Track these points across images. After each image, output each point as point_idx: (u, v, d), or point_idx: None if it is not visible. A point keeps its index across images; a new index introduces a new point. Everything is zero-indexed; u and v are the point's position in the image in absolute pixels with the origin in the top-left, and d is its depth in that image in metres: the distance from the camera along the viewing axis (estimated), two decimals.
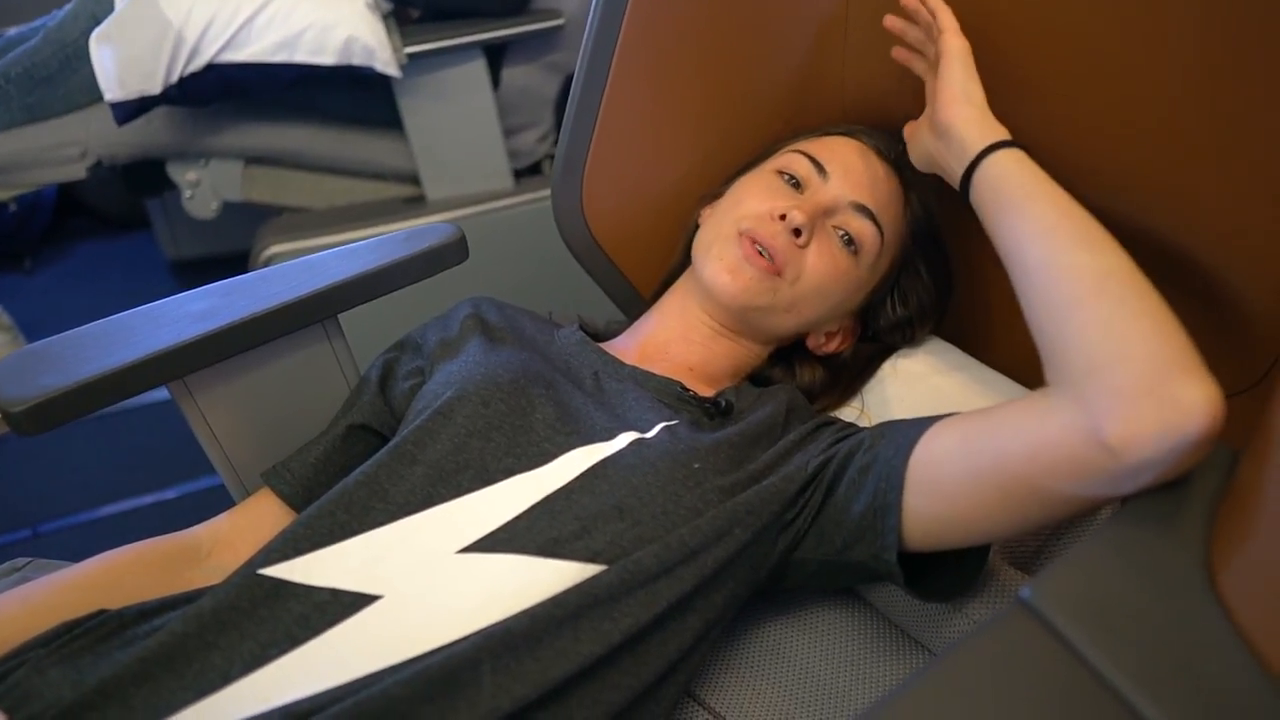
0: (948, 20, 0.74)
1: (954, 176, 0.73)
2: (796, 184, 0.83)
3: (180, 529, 0.75)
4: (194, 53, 1.37)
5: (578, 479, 0.65)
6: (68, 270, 2.40)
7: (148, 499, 1.68)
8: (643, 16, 0.86)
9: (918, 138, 0.79)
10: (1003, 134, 0.70)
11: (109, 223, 2.53)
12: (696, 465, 0.67)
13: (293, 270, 0.84)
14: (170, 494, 1.69)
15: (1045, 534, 0.76)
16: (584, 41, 0.87)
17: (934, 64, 0.76)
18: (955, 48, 0.73)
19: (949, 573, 0.68)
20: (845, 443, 0.70)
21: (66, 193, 2.50)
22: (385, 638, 0.58)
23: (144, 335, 0.75)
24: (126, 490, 1.69)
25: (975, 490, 0.59)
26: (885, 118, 0.90)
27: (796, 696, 0.72)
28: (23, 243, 2.40)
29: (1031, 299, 0.61)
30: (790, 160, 0.84)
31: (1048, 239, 0.61)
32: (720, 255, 0.81)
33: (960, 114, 0.71)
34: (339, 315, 0.84)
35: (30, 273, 2.37)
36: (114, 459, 1.77)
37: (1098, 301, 0.57)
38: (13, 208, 2.30)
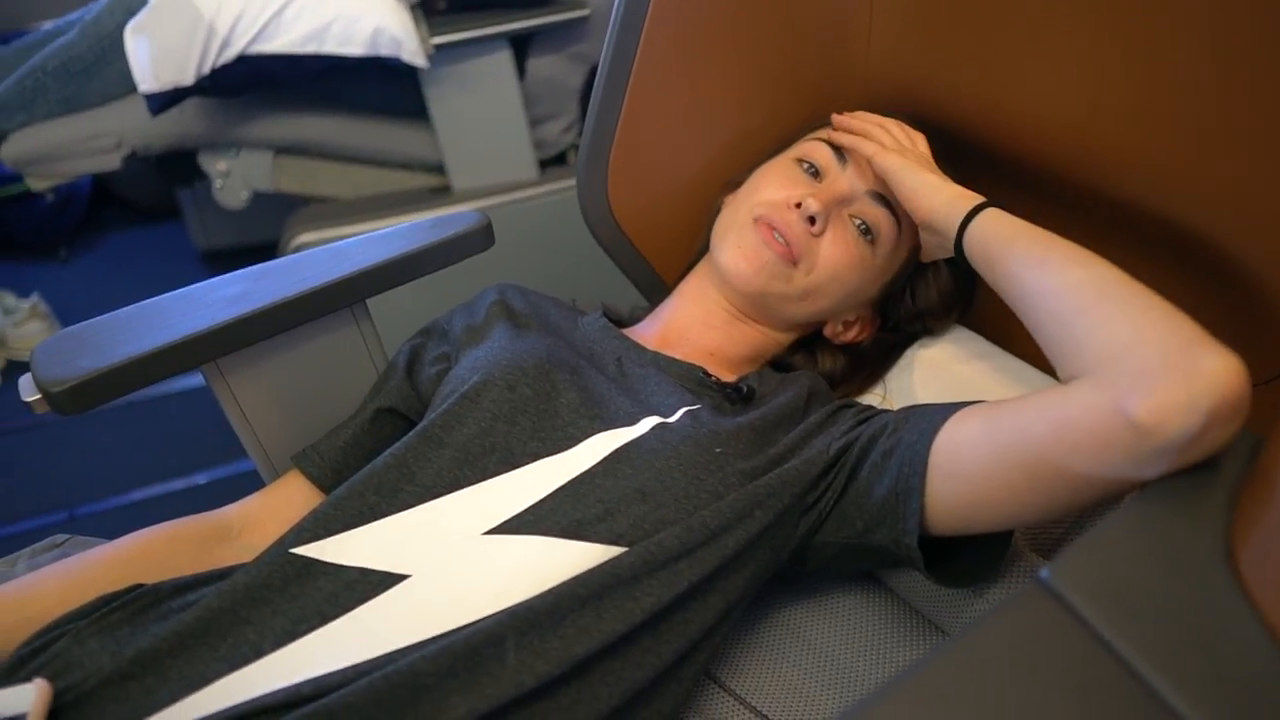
0: (866, 148, 0.81)
1: (950, 252, 0.76)
2: (815, 172, 0.84)
3: None
4: (225, 44, 1.39)
5: (601, 463, 0.66)
6: (102, 260, 2.45)
7: (181, 483, 1.71)
8: (668, 4, 0.86)
9: (925, 241, 0.84)
10: (973, 201, 0.73)
11: (142, 213, 2.57)
12: (718, 449, 0.67)
13: (322, 256, 0.85)
14: (202, 478, 1.72)
15: (1070, 520, 0.75)
16: (609, 29, 0.87)
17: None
18: (887, 165, 0.79)
19: (970, 558, 0.68)
20: (868, 425, 0.71)
21: (101, 184, 2.55)
22: (412, 615, 0.59)
23: (179, 318, 0.77)
24: (161, 475, 1.72)
25: (1000, 474, 0.59)
26: (910, 106, 0.90)
27: (816, 679, 0.72)
28: (59, 233, 2.45)
29: (1040, 319, 0.63)
30: (811, 148, 0.85)
31: (1041, 267, 0.64)
32: (737, 242, 0.81)
33: (930, 206, 0.76)
34: (367, 300, 0.85)
35: (66, 262, 2.42)
36: (149, 444, 1.81)
37: (1102, 304, 0.59)
38: (50, 198, 2.35)
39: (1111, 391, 0.53)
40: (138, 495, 1.69)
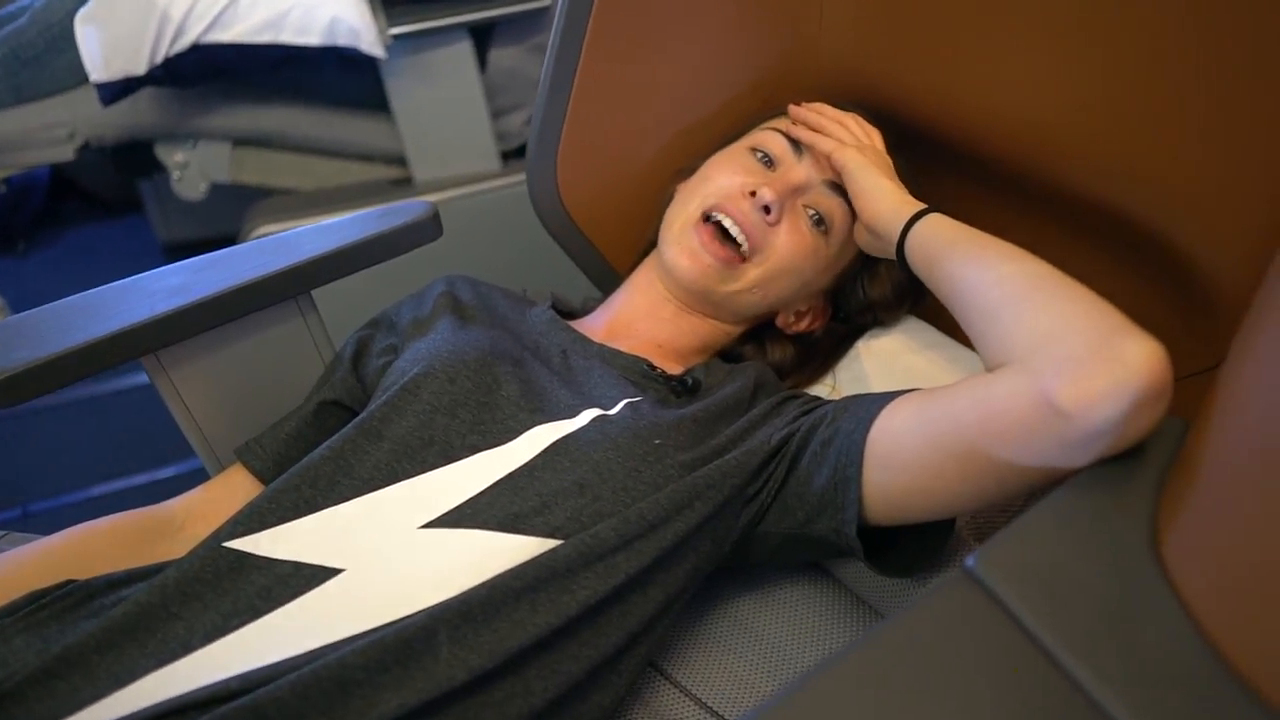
0: (824, 145, 0.81)
1: (891, 256, 0.76)
2: (769, 161, 0.83)
3: None
4: (179, 33, 1.36)
5: (540, 456, 0.66)
6: (61, 253, 2.40)
7: (142, 478, 1.68)
8: None
9: (859, 236, 0.83)
10: (916, 208, 0.74)
11: (103, 206, 2.53)
12: (658, 441, 0.67)
13: (267, 246, 0.84)
14: (167, 472, 1.69)
15: (1015, 510, 0.76)
16: (557, 12, 0.86)
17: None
18: (845, 162, 0.79)
19: (912, 548, 0.68)
20: (809, 416, 0.71)
21: (60, 176, 2.50)
22: (345, 609, 0.58)
23: (118, 310, 0.76)
24: (121, 470, 1.69)
25: (932, 462, 0.60)
26: (863, 95, 0.90)
27: (761, 669, 0.72)
28: (16, 225, 2.40)
29: (970, 315, 0.63)
30: (765, 138, 0.85)
31: (976, 264, 0.64)
32: (680, 239, 0.81)
33: (875, 210, 0.76)
34: (314, 292, 0.84)
35: (24, 255, 2.37)
36: (108, 438, 1.77)
37: (1031, 295, 0.59)
38: (2, 190, 2.30)
39: (1036, 378, 0.53)
40: (98, 490, 1.67)
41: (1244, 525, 0.42)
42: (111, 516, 0.72)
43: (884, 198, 0.76)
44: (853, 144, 0.81)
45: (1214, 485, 0.45)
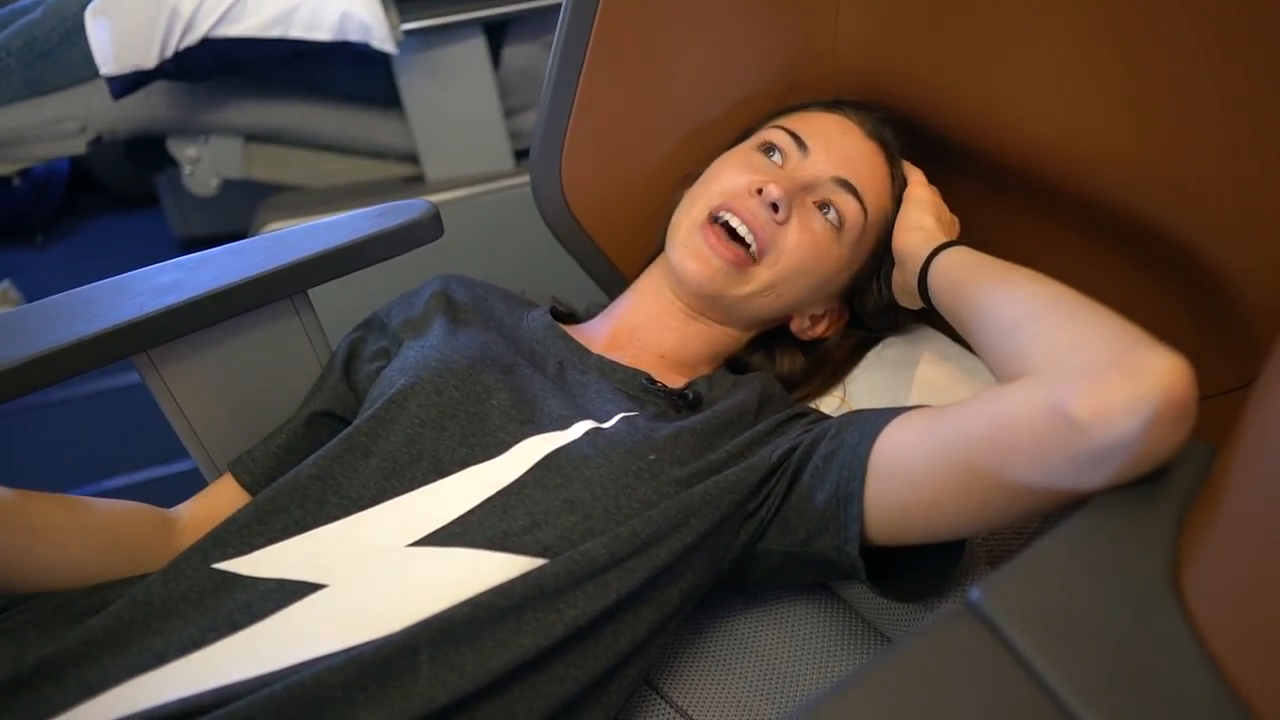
0: (916, 176, 0.83)
1: (914, 293, 0.77)
2: (776, 160, 0.81)
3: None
4: (189, 27, 1.35)
5: (531, 470, 0.63)
6: (79, 246, 2.41)
7: (153, 473, 1.67)
8: None
9: (895, 280, 0.83)
10: (943, 240, 0.74)
11: (121, 200, 2.53)
12: (652, 456, 0.64)
13: (263, 244, 0.82)
14: (178, 467, 1.67)
15: (1029, 532, 0.72)
16: (561, 7, 0.84)
17: None
18: (914, 196, 0.81)
19: (920, 572, 0.65)
20: (812, 431, 0.68)
21: (79, 169, 2.51)
22: (325, 625, 0.56)
23: (107, 307, 0.74)
24: (131, 464, 1.68)
25: (937, 477, 0.57)
26: (880, 95, 0.87)
27: (762, 691, 0.69)
28: (35, 218, 2.41)
29: (989, 333, 0.62)
30: (770, 136, 0.82)
31: (997, 288, 0.63)
32: (686, 241, 0.79)
33: (907, 241, 0.78)
34: (313, 290, 0.82)
35: (42, 248, 2.38)
36: (118, 433, 1.77)
37: (1051, 312, 0.57)
38: (16, 182, 2.30)
39: (1051, 388, 0.50)
40: (107, 485, 1.66)
41: (1276, 561, 0.38)
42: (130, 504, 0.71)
43: (917, 232, 0.77)
44: (933, 195, 0.82)
45: (1242, 516, 0.42)
